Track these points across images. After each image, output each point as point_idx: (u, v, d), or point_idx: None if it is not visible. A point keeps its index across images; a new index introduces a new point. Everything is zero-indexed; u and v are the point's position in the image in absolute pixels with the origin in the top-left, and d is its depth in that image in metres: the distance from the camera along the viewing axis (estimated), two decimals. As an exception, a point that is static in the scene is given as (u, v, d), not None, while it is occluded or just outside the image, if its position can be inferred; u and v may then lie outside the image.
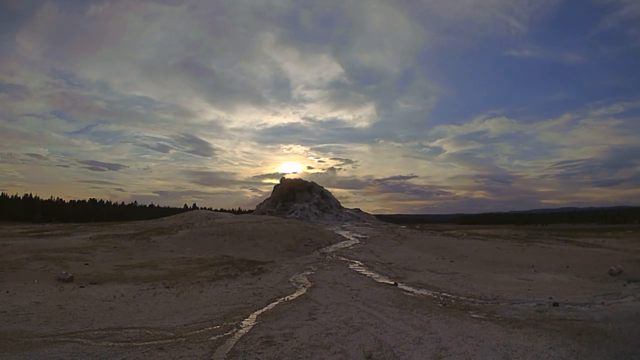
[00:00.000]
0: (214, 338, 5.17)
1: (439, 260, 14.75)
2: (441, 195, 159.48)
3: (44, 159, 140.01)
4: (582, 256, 15.13)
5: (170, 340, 5.06)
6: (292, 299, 7.76)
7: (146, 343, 4.96)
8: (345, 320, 5.98)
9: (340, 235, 23.25)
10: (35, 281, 9.37)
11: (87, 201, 73.23)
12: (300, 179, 48.53)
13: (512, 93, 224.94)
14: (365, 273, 11.43)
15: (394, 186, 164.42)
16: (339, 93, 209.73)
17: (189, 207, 76.48)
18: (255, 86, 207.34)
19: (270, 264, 13.11)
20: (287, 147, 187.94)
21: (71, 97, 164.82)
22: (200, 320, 6.10)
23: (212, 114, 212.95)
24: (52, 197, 69.03)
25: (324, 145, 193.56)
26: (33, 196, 64.77)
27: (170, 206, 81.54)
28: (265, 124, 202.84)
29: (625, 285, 9.61)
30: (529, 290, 8.94)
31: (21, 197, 63.32)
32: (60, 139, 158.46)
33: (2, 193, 62.00)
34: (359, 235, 23.18)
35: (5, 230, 25.48)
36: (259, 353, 4.57)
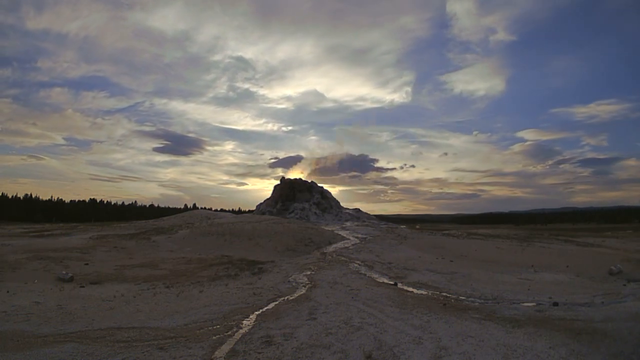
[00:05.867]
0: (214, 338, 5.17)
1: (438, 260, 14.75)
2: (484, 195, 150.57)
3: (58, 147, 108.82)
4: (582, 256, 15.13)
5: (170, 340, 5.06)
6: (292, 299, 7.76)
7: (146, 343, 4.96)
8: (345, 320, 5.97)
9: (340, 235, 23.25)
10: (36, 281, 9.37)
11: (87, 201, 73.30)
12: (300, 179, 48.57)
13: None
14: (365, 273, 11.43)
15: (435, 186, 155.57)
16: (494, 60, 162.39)
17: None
18: (402, 49, 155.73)
19: (270, 264, 13.11)
20: (360, 132, 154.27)
21: (126, 60, 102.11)
22: (200, 320, 6.10)
23: (311, 86, 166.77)
24: (52, 197, 69.14)
25: (415, 130, 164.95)
26: (33, 196, 64.85)
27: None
28: (366, 104, 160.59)
29: (625, 285, 9.61)
30: (528, 290, 8.95)
31: (21, 197, 63.38)
32: (85, 124, 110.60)
33: (2, 193, 62.05)
34: (359, 235, 23.18)
35: (5, 230, 25.46)
36: (259, 353, 4.57)
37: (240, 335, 5.26)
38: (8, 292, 7.98)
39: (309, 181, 48.36)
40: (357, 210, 47.45)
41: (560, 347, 4.72)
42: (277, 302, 7.45)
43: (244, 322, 6.01)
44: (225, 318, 6.23)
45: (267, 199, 48.02)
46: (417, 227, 40.58)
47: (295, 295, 8.16)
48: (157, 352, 4.59)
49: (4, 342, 4.97)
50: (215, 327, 5.69)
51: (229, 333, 5.40)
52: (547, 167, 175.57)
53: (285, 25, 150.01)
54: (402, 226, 35.58)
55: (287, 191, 45.69)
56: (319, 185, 47.90)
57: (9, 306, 6.82)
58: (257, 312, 6.63)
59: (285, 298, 7.87)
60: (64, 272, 10.05)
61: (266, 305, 7.17)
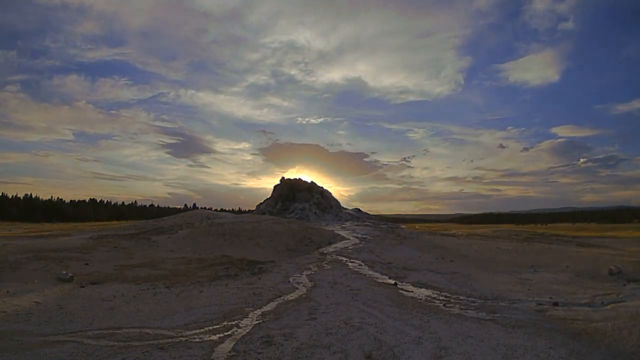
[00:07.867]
0: (214, 338, 5.17)
1: (438, 260, 14.74)
2: (496, 195, 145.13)
3: (65, 143, 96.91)
4: (582, 256, 15.12)
5: (170, 340, 5.06)
6: (292, 299, 7.76)
7: (146, 343, 4.96)
8: (345, 320, 5.98)
9: (340, 235, 23.23)
10: (36, 281, 9.37)
11: (87, 201, 73.30)
12: (300, 179, 48.55)
13: None
14: (365, 273, 11.42)
15: (450, 185, 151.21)
16: (557, 50, 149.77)
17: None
18: (466, 35, 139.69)
19: (270, 264, 13.10)
20: (395, 127, 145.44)
21: (156, 40, 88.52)
22: (200, 320, 6.10)
23: (357, 73, 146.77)
24: (52, 196, 69.16)
25: (452, 127, 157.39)
26: (33, 196, 64.86)
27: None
28: (409, 97, 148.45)
29: (625, 285, 9.61)
30: (528, 289, 8.94)
31: (21, 197, 63.38)
32: (98, 117, 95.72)
33: (2, 193, 62.04)
34: (359, 235, 23.17)
35: (6, 230, 25.47)
36: (259, 353, 4.58)
37: (240, 335, 5.27)
38: (8, 292, 7.98)
39: (309, 181, 48.38)
40: (357, 210, 47.45)
41: (560, 347, 4.72)
42: (277, 302, 7.45)
43: (244, 322, 6.01)
44: (225, 318, 6.23)
45: (267, 198, 48.00)
46: (417, 227, 40.56)
47: (295, 295, 8.16)
48: (157, 352, 4.59)
49: (4, 342, 4.97)
50: (215, 327, 5.69)
51: (229, 333, 5.40)
52: (568, 165, 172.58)
53: (350, 5, 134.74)
54: (402, 226, 35.56)
55: (287, 191, 45.68)
56: (319, 185, 47.91)
57: (9, 306, 6.82)
58: (257, 312, 6.63)
59: (285, 298, 7.87)
60: (64, 272, 10.05)
61: (266, 305, 7.17)
